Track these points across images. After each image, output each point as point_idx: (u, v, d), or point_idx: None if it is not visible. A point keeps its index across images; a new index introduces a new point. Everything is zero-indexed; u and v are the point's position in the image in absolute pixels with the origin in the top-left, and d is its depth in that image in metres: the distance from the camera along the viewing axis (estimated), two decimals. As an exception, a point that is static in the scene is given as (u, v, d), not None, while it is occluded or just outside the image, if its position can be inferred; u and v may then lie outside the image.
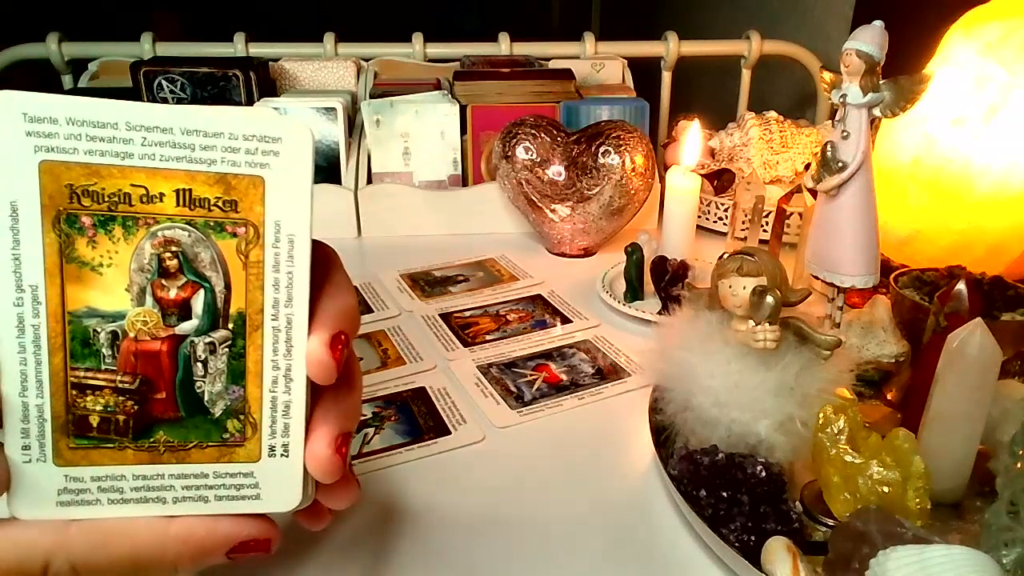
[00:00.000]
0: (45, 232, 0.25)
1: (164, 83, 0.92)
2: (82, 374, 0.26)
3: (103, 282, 0.26)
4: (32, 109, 0.24)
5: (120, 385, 0.26)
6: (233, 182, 0.26)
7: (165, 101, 0.91)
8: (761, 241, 0.79)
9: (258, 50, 1.07)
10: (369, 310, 0.72)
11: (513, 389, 0.59)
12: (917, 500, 0.40)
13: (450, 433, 0.53)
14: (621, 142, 0.80)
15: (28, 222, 0.25)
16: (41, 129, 0.24)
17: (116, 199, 0.25)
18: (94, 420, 0.26)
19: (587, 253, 0.86)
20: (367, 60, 1.06)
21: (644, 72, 1.13)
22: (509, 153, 0.82)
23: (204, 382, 0.27)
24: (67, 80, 1.08)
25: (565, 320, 0.71)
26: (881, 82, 0.49)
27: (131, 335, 0.26)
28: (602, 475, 0.50)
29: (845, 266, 0.52)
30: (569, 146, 0.82)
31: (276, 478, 0.28)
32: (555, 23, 3.34)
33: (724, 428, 0.44)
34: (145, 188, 0.25)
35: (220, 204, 0.26)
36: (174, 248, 0.26)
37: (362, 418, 0.54)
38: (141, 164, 0.25)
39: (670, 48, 1.12)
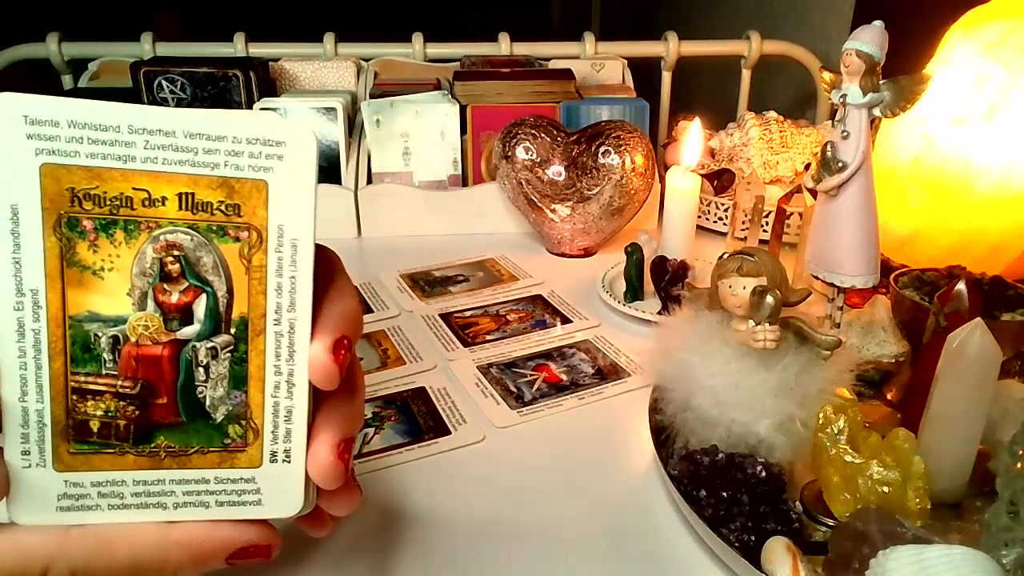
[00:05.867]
0: (46, 236, 0.25)
1: (164, 83, 0.92)
2: (83, 379, 0.26)
3: (104, 286, 0.26)
4: (33, 111, 0.24)
5: (121, 390, 0.26)
6: (236, 186, 0.26)
7: (165, 101, 0.91)
8: (761, 241, 0.79)
9: (258, 50, 1.07)
10: (369, 310, 0.72)
11: (513, 389, 0.59)
12: (917, 500, 0.40)
13: (450, 433, 0.53)
14: (621, 142, 0.80)
15: (29, 225, 0.24)
16: (42, 132, 0.24)
17: (118, 203, 0.25)
18: (94, 425, 0.26)
19: (587, 253, 0.86)
20: (367, 60, 1.06)
21: (644, 72, 1.12)
22: (509, 153, 0.82)
23: (206, 387, 0.27)
24: (67, 80, 1.08)
25: (565, 320, 0.71)
26: (881, 82, 0.49)
27: (132, 340, 0.26)
28: (602, 475, 0.50)
29: (845, 266, 0.52)
30: (569, 146, 0.82)
31: (278, 484, 0.28)
32: (555, 23, 3.34)
33: (724, 428, 0.44)
34: (147, 192, 0.25)
35: (223, 208, 0.26)
36: (176, 252, 0.26)
37: (363, 419, 0.54)
38: (143, 167, 0.25)
39: (670, 48, 1.12)
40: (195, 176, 0.25)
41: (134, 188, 0.25)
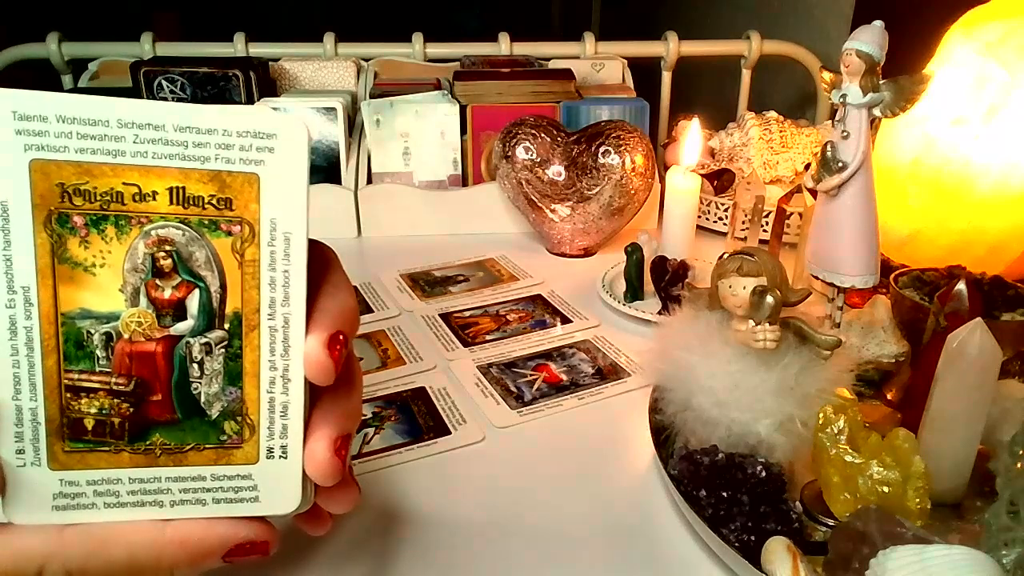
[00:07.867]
0: (36, 232, 0.24)
1: (164, 83, 0.92)
2: (76, 376, 0.26)
3: (96, 283, 0.25)
4: (22, 107, 0.24)
5: (115, 387, 0.26)
6: (227, 180, 0.25)
7: (165, 101, 0.91)
8: (761, 241, 0.79)
9: (258, 50, 1.07)
10: (369, 310, 0.72)
11: (513, 389, 0.59)
12: (917, 500, 0.40)
13: (450, 433, 0.53)
14: (621, 142, 0.80)
15: (19, 222, 0.24)
16: (31, 127, 0.24)
17: (108, 198, 0.25)
18: (89, 423, 0.26)
19: (587, 253, 0.86)
20: (367, 60, 1.06)
21: (644, 72, 1.12)
22: (509, 153, 0.82)
23: (200, 383, 0.27)
24: (67, 80, 1.08)
25: (565, 320, 0.70)
26: (881, 82, 0.48)
27: (126, 336, 0.26)
28: (602, 475, 0.50)
29: (845, 266, 0.52)
30: (569, 146, 0.82)
31: (275, 480, 0.27)
32: (555, 23, 3.34)
33: (724, 428, 0.44)
34: (138, 186, 0.25)
35: (214, 202, 0.25)
36: (168, 247, 0.26)
37: (362, 418, 0.54)
38: (133, 162, 0.24)
39: (670, 48, 1.12)
40: (186, 170, 0.25)
41: (124, 183, 0.25)
